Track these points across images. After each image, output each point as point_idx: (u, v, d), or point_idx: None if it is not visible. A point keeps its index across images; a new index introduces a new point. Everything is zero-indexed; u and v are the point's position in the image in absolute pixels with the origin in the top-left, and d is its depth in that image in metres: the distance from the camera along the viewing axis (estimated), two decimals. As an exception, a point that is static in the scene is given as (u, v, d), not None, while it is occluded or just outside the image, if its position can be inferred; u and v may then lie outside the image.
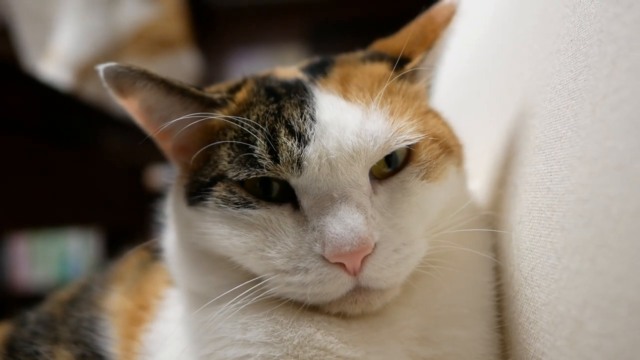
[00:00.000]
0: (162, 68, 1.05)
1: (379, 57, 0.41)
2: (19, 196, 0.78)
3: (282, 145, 0.33)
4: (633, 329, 0.22)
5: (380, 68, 0.39)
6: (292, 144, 0.33)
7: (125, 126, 0.96)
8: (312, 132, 0.34)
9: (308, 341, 0.33)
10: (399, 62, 0.39)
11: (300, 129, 0.34)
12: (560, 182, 0.30)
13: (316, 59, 0.44)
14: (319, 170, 0.33)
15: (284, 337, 0.33)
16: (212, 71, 2.74)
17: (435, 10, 0.41)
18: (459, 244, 0.36)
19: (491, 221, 0.41)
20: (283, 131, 0.34)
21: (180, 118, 0.36)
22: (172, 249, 0.41)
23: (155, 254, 0.44)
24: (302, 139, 0.33)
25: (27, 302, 0.50)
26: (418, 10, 0.43)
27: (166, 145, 0.40)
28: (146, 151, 1.06)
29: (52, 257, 3.08)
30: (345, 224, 0.32)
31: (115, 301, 0.44)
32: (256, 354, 0.33)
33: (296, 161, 0.33)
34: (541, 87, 0.38)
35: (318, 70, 0.39)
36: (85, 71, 0.95)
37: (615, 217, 0.24)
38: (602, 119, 0.27)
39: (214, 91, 0.39)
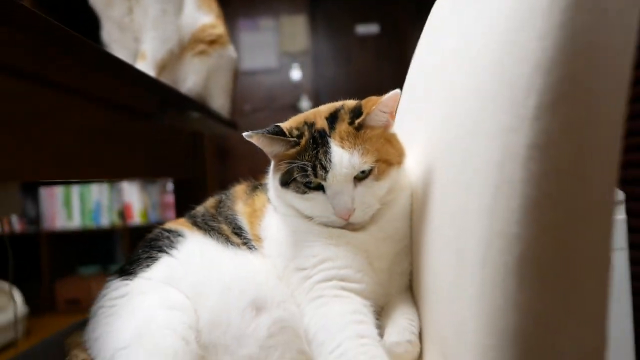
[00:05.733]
0: (215, 59, 1.43)
1: (355, 114, 0.67)
2: (109, 156, 0.99)
3: (319, 172, 0.63)
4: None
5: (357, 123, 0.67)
6: (322, 172, 0.63)
7: (192, 102, 1.33)
8: (330, 166, 0.63)
9: (340, 234, 0.67)
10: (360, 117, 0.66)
11: (326, 165, 0.63)
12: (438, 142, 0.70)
13: (332, 109, 0.71)
14: (332, 181, 0.63)
15: (331, 233, 0.68)
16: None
17: (389, 99, 0.66)
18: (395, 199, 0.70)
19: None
20: (319, 166, 0.63)
21: (282, 153, 0.69)
22: (274, 198, 0.73)
23: (252, 187, 0.84)
24: (327, 169, 0.63)
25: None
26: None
27: (270, 154, 0.71)
28: (210, 122, 1.43)
29: (82, 204, 3.50)
30: (344, 203, 0.63)
31: (241, 207, 0.77)
32: (322, 232, 0.68)
33: (325, 178, 0.63)
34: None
35: (332, 124, 0.67)
36: (163, 66, 1.31)
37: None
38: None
39: (292, 133, 0.67)
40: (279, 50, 3.99)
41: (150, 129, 1.11)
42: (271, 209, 0.75)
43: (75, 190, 3.43)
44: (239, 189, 0.84)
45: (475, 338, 0.47)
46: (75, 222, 3.41)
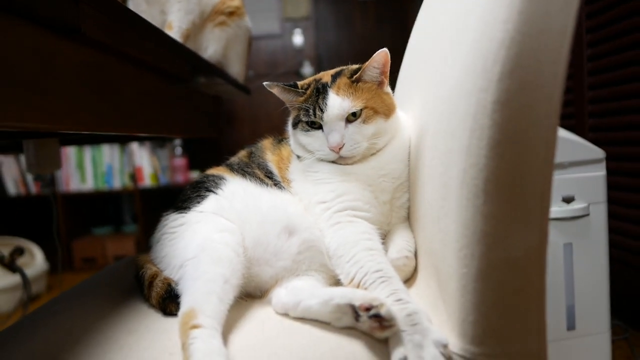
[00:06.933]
0: (233, 29, 1.56)
1: (355, 72, 0.85)
2: (156, 114, 1.06)
3: (317, 113, 0.82)
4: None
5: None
6: (320, 113, 0.82)
7: (216, 69, 1.47)
8: (326, 108, 0.81)
9: (349, 171, 0.84)
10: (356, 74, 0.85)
11: (323, 107, 0.81)
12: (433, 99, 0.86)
13: (339, 69, 0.89)
14: (328, 120, 0.82)
15: (342, 170, 0.84)
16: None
17: (378, 56, 0.83)
18: (388, 144, 0.87)
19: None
20: (317, 108, 0.82)
21: (293, 101, 0.90)
22: (292, 143, 0.91)
23: (277, 141, 1.01)
24: (323, 111, 0.81)
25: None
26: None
27: (286, 101, 0.90)
28: (227, 87, 1.58)
29: (94, 167, 3.65)
30: (335, 137, 0.81)
31: (269, 156, 0.92)
32: (336, 171, 0.85)
33: (322, 118, 0.82)
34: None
35: (334, 78, 0.85)
36: (187, 36, 1.45)
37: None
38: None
39: (303, 87, 0.88)
40: (282, 15, 4.06)
41: (184, 92, 1.27)
42: (295, 157, 0.92)
43: (88, 154, 3.58)
44: (266, 142, 1.01)
45: (454, 242, 0.65)
46: (89, 184, 3.58)
